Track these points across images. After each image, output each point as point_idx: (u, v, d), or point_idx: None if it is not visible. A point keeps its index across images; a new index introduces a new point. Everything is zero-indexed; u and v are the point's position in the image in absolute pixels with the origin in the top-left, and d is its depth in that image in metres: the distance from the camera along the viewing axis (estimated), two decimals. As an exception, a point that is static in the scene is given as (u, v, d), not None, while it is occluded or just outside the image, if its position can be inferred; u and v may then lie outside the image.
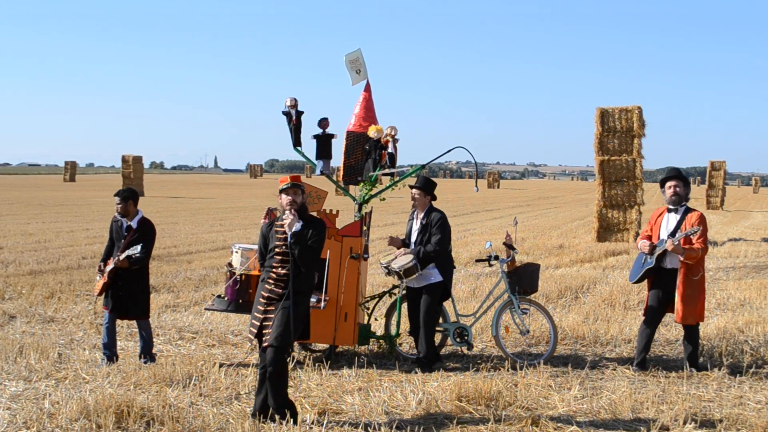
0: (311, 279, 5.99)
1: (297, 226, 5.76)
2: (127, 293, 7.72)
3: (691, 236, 7.34)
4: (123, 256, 7.53)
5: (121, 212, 7.76)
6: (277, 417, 5.72)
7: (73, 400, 5.98)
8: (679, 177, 7.71)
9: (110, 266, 7.68)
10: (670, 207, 7.70)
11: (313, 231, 5.84)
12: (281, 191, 5.93)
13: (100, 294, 7.82)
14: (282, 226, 5.88)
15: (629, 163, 21.17)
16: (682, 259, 7.38)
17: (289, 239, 5.75)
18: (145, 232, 7.79)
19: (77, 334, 9.22)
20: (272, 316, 5.80)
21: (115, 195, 7.85)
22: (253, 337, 5.88)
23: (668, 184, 7.71)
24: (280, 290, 5.81)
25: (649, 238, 7.80)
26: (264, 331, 5.81)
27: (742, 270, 15.49)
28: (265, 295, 5.86)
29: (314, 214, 7.86)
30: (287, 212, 5.84)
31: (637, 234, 7.55)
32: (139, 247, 7.52)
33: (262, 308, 5.85)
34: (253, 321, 5.89)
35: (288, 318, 5.71)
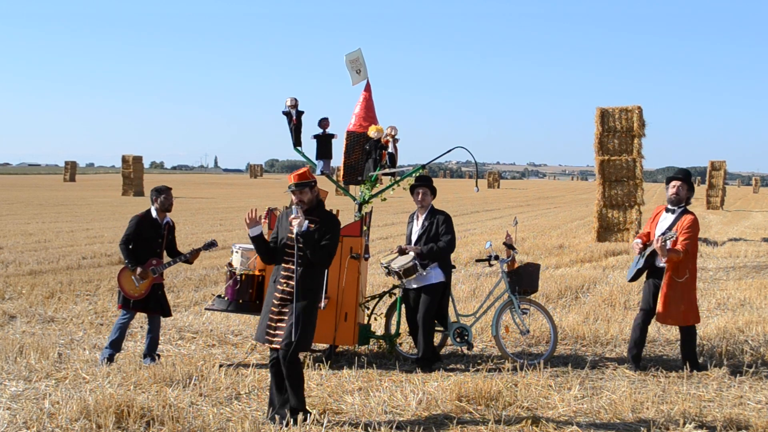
0: (320, 276, 5.89)
1: (304, 225, 5.66)
2: (163, 292, 7.94)
3: (669, 241, 7.32)
4: (206, 243, 8.03)
5: (167, 207, 7.94)
6: (288, 416, 5.73)
7: (73, 400, 5.98)
8: (686, 180, 7.72)
9: (162, 265, 7.76)
10: (669, 207, 7.71)
11: (327, 229, 5.76)
12: (288, 189, 5.85)
13: (147, 295, 7.74)
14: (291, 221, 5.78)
15: (629, 163, 21.17)
16: (663, 259, 7.40)
17: (296, 238, 5.65)
18: (173, 228, 8.16)
19: (77, 334, 9.21)
20: (285, 317, 5.72)
21: (167, 189, 7.98)
22: (264, 341, 5.76)
23: (672, 183, 7.71)
24: (290, 288, 5.72)
25: (647, 236, 7.83)
26: (276, 332, 5.73)
27: (742, 270, 15.48)
28: (278, 295, 5.77)
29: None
30: (295, 209, 5.71)
31: (638, 233, 7.60)
32: (214, 239, 8.18)
33: (276, 309, 5.76)
34: (268, 322, 5.78)
35: (302, 318, 5.66)
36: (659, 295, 7.51)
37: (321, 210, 5.91)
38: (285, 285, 5.76)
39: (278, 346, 5.71)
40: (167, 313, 7.94)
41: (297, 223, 5.65)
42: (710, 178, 44.32)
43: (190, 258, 7.89)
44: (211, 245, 8.05)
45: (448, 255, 7.91)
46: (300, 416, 5.70)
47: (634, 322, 7.82)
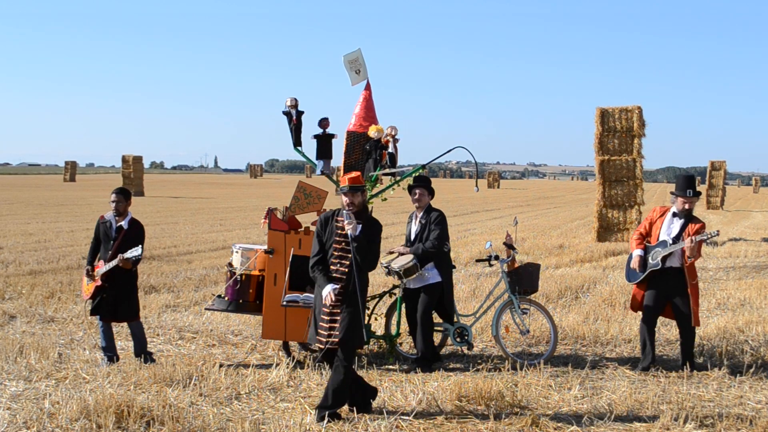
0: (367, 276, 6.06)
1: (358, 229, 5.88)
2: (113, 296, 7.62)
3: (705, 241, 7.51)
4: (127, 255, 7.41)
5: (119, 210, 7.68)
6: (325, 412, 5.85)
7: (73, 400, 5.98)
8: (697, 193, 7.69)
9: (103, 268, 7.57)
10: (677, 212, 7.72)
11: (373, 233, 5.97)
12: (341, 190, 6.01)
13: (91, 297, 7.73)
14: (341, 222, 5.97)
15: (629, 163, 21.17)
16: (691, 258, 7.46)
17: (351, 242, 5.84)
18: (138, 233, 7.70)
19: (77, 334, 9.22)
20: (338, 317, 5.87)
21: (117, 192, 7.74)
22: (322, 343, 5.88)
23: (686, 198, 7.65)
24: (342, 288, 5.89)
25: (643, 236, 7.83)
26: (331, 332, 5.86)
27: (742, 270, 15.49)
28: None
29: (315, 213, 7.88)
30: (347, 215, 5.90)
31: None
32: (140, 248, 7.46)
33: (328, 310, 5.90)
34: (321, 323, 5.91)
35: (356, 316, 5.84)
36: (691, 301, 7.58)
37: (366, 214, 6.11)
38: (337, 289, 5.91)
39: (334, 344, 5.85)
40: (124, 318, 7.73)
41: (351, 227, 5.85)
42: (710, 178, 44.33)
43: (120, 263, 7.44)
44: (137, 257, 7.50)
45: (437, 252, 7.86)
46: (327, 413, 5.85)
47: (643, 328, 7.76)
